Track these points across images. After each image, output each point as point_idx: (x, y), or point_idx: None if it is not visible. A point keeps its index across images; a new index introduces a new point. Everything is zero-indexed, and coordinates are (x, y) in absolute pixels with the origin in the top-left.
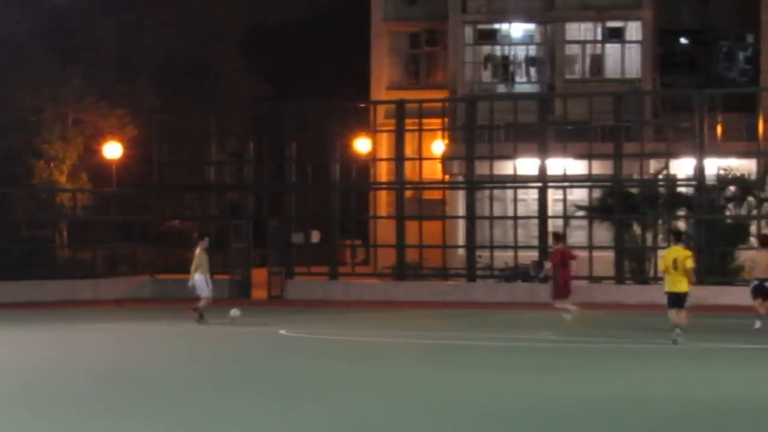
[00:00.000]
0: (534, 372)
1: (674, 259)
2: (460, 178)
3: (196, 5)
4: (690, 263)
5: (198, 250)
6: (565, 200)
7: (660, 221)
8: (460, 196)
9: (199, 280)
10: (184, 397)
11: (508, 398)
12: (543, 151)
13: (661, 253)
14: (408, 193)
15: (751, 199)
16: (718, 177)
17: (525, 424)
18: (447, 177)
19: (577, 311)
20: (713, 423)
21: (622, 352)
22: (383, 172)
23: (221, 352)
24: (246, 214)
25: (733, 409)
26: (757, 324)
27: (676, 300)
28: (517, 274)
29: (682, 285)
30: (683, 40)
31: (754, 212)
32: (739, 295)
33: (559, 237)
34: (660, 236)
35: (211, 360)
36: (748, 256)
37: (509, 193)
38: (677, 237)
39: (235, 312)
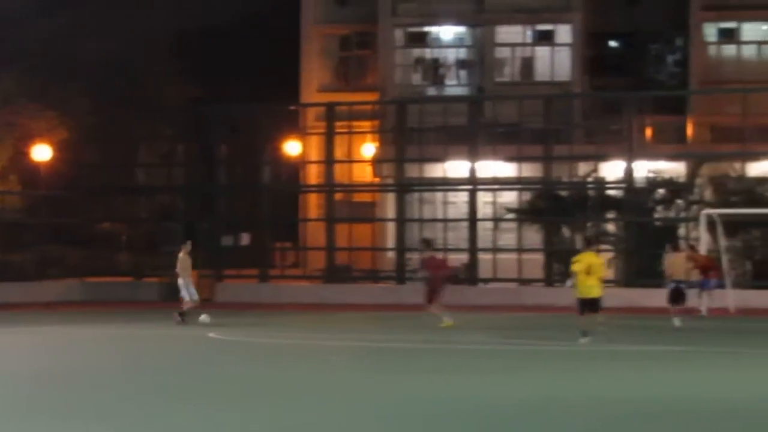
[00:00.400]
0: (463, 374)
1: (589, 265)
2: (390, 181)
3: (127, 9)
4: (603, 270)
5: (181, 254)
6: (494, 203)
7: (589, 223)
8: (390, 199)
9: (181, 284)
10: (111, 400)
11: (438, 400)
12: (473, 154)
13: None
14: (338, 196)
15: (679, 201)
16: (648, 179)
17: (453, 426)
18: (377, 179)
19: (446, 317)
20: (647, 424)
21: (552, 353)
22: (313, 174)
23: (151, 356)
24: (175, 216)
25: (666, 410)
26: (677, 322)
27: (591, 305)
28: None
29: (596, 290)
30: (613, 43)
31: (683, 215)
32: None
33: (429, 243)
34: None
35: (140, 363)
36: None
37: (439, 195)
38: (588, 243)
39: (204, 318)
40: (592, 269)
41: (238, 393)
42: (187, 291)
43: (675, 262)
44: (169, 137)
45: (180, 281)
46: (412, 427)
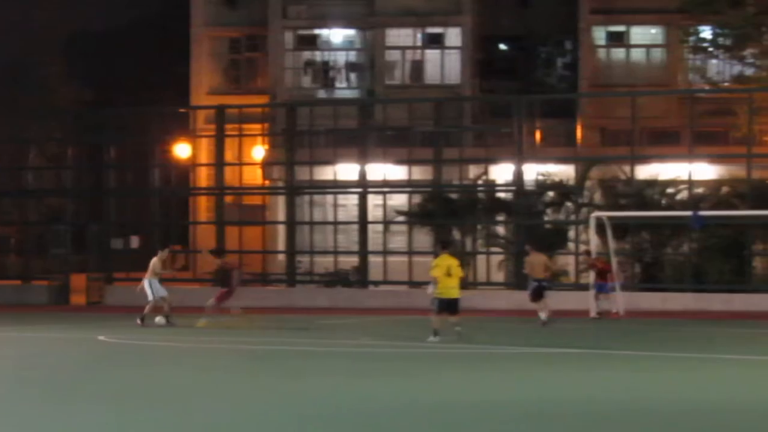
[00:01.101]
0: (352, 376)
1: (448, 267)
2: (281, 184)
3: (16, 11)
4: (461, 271)
5: (155, 259)
6: (385, 205)
7: (479, 226)
8: (281, 202)
9: (145, 284)
10: None
11: (325, 403)
12: (363, 157)
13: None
14: (228, 199)
15: (569, 204)
16: (537, 182)
17: (338, 428)
18: (267, 182)
19: (211, 319)
20: (538, 426)
21: (442, 356)
22: (203, 177)
23: (36, 358)
24: (65, 219)
25: (553, 412)
26: (542, 316)
27: (450, 306)
28: (337, 279)
29: (455, 291)
30: (503, 47)
31: (573, 217)
32: (557, 299)
33: (221, 252)
34: (480, 241)
35: (25, 365)
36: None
37: (329, 198)
38: (445, 245)
39: (160, 319)
40: (452, 271)
41: (123, 395)
42: (152, 290)
43: (535, 262)
44: (59, 140)
45: (145, 282)
46: (288, 429)
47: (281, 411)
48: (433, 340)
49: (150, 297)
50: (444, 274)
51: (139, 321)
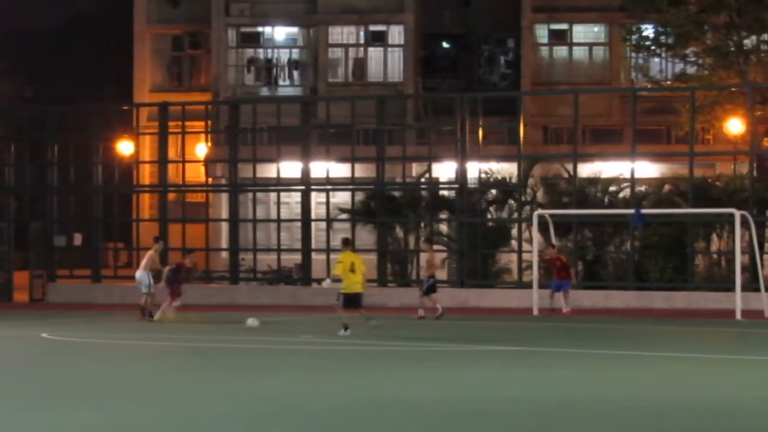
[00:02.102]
0: (293, 373)
1: (352, 263)
2: (223, 181)
3: None
4: (365, 267)
5: (151, 251)
6: (328, 203)
7: (422, 224)
8: (224, 199)
9: (139, 277)
10: None
11: (266, 400)
12: (306, 154)
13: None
14: (171, 196)
15: (512, 202)
16: (480, 180)
17: (271, 426)
18: (210, 180)
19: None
20: (474, 424)
21: (387, 354)
22: (146, 174)
23: None
24: (7, 216)
25: (500, 410)
26: (421, 312)
27: (354, 300)
28: (280, 276)
29: (358, 286)
30: (445, 44)
31: (515, 215)
32: (500, 298)
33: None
34: (422, 239)
35: None
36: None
37: (272, 196)
38: (346, 243)
39: (252, 321)
40: (356, 267)
41: (66, 392)
42: (142, 284)
43: (432, 260)
44: (0, 137)
45: (138, 274)
46: (231, 428)
47: (222, 408)
48: (344, 334)
49: (144, 290)
50: (347, 270)
51: (148, 317)
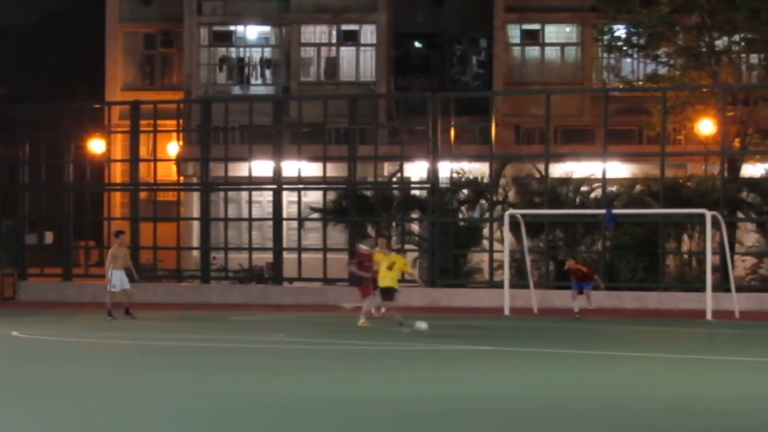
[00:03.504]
0: (262, 372)
1: (392, 263)
2: (195, 180)
3: None
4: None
5: (114, 247)
6: (299, 202)
7: (394, 223)
8: (195, 198)
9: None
10: None
11: (241, 399)
12: (278, 154)
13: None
14: (143, 195)
15: (483, 202)
16: (452, 180)
17: (243, 425)
18: (182, 179)
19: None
20: (450, 422)
21: (358, 353)
22: (118, 173)
23: None
24: None
25: (470, 409)
26: (383, 309)
27: (386, 293)
28: (251, 275)
29: (390, 281)
30: (418, 44)
31: (487, 215)
32: (471, 297)
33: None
34: (394, 238)
35: None
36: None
37: (244, 195)
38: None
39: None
40: (394, 265)
41: (35, 390)
42: (111, 282)
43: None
44: None
45: (109, 272)
46: (194, 426)
47: (194, 407)
48: (406, 331)
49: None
50: (386, 267)
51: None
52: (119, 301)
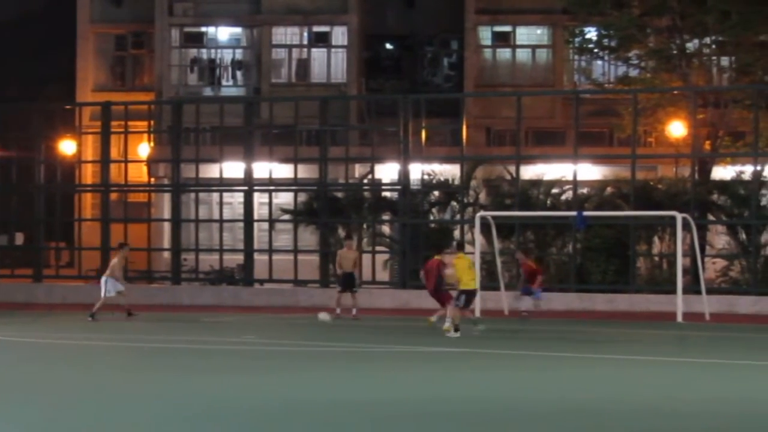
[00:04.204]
0: (235, 374)
1: (469, 263)
2: (166, 181)
3: None
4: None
5: (116, 259)
6: (270, 204)
7: (365, 225)
8: (166, 199)
9: (103, 281)
10: None
11: (211, 400)
12: (249, 155)
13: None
14: (113, 196)
15: (454, 203)
16: (423, 182)
17: (221, 424)
18: (153, 180)
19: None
20: (422, 425)
21: (328, 354)
22: (89, 174)
23: None
24: None
25: (444, 411)
26: (338, 310)
27: (470, 297)
28: (222, 277)
29: (474, 284)
30: (389, 46)
31: (458, 217)
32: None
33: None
34: (365, 240)
35: None
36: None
37: (215, 196)
38: (460, 246)
39: (324, 316)
40: (471, 267)
41: (5, 392)
42: (105, 288)
43: (346, 256)
44: None
45: (104, 279)
46: (159, 428)
47: (164, 408)
48: (454, 336)
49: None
50: (466, 269)
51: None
52: (117, 303)
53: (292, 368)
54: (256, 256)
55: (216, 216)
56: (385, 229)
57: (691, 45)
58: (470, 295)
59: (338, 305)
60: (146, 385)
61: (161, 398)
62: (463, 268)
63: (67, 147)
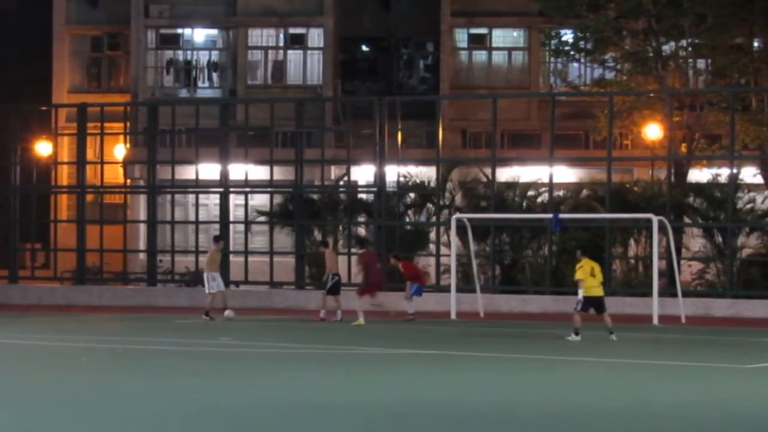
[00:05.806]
0: (211, 375)
1: (592, 268)
2: (142, 183)
3: None
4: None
5: (212, 250)
6: (246, 205)
7: (341, 227)
8: (142, 201)
9: (206, 278)
10: None
11: (187, 402)
12: (224, 157)
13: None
14: (89, 197)
15: (430, 206)
16: (398, 184)
17: (193, 427)
18: (128, 181)
19: None
20: (403, 426)
21: (303, 356)
22: (64, 175)
23: None
24: None
25: (414, 413)
26: (321, 313)
27: (596, 304)
28: (198, 278)
29: (599, 290)
30: (365, 48)
31: (433, 219)
32: (417, 301)
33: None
34: (341, 242)
35: None
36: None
37: (191, 197)
38: (584, 252)
39: (229, 313)
40: (595, 272)
41: None
42: (208, 284)
43: (333, 258)
44: None
45: (206, 275)
46: (135, 429)
47: (140, 410)
48: (574, 339)
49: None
50: (588, 274)
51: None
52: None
53: (267, 370)
54: (231, 257)
55: (192, 217)
56: (361, 231)
57: (667, 48)
58: (593, 301)
59: (323, 307)
60: (123, 387)
61: (138, 399)
62: (586, 273)
63: (43, 148)
